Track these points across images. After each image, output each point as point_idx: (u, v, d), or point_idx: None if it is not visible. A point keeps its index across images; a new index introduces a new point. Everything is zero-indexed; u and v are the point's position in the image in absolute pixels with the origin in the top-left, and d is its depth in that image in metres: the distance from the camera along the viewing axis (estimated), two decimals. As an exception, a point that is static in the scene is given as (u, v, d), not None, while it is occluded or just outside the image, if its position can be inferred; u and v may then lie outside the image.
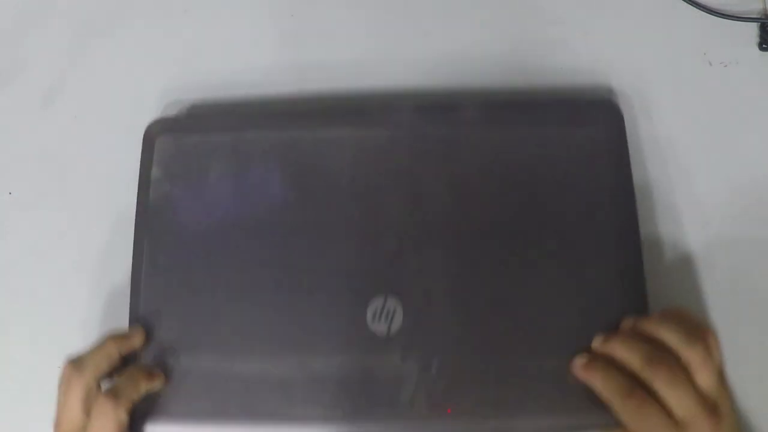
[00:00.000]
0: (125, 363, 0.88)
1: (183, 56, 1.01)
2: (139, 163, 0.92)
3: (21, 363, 0.97)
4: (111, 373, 0.87)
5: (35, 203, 0.99)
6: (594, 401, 0.81)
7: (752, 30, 0.99)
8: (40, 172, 1.00)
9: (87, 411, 0.83)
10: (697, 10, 0.98)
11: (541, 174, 0.88)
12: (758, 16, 0.99)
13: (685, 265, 0.94)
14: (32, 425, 0.95)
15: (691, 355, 0.77)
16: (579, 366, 0.83)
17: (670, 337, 0.79)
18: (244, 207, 0.89)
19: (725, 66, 0.99)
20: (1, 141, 1.01)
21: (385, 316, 0.86)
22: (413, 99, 0.97)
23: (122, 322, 0.92)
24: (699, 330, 0.79)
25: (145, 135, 0.92)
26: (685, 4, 0.98)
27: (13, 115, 1.01)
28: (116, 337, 0.88)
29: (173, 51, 1.01)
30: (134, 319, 0.89)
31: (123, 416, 0.83)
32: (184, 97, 0.99)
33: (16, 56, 1.02)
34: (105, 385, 0.85)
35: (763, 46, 0.98)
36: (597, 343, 0.83)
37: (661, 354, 0.78)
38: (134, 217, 0.90)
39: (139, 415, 0.86)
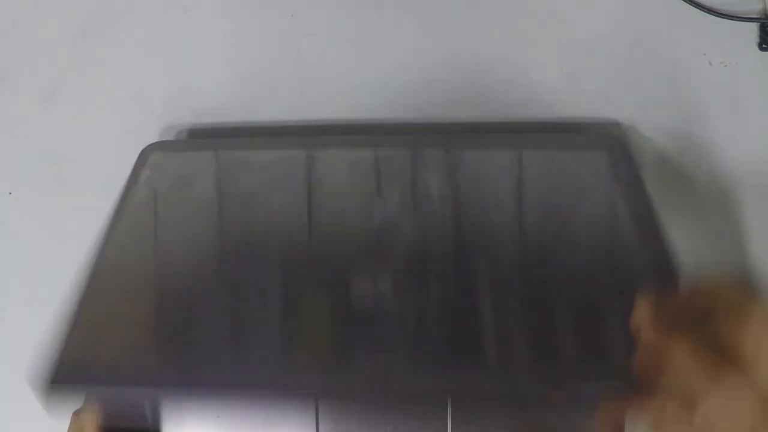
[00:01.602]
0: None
1: (183, 56, 1.01)
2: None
3: (21, 363, 0.97)
4: None
5: (35, 203, 0.99)
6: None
7: (752, 30, 0.99)
8: (40, 172, 1.00)
9: None
10: (697, 10, 0.98)
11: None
12: (758, 16, 0.99)
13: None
14: (32, 425, 0.96)
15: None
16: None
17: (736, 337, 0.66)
18: (229, 220, 0.88)
19: (725, 66, 0.99)
20: (1, 141, 1.01)
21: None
22: (409, 127, 0.97)
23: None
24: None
25: (140, 154, 0.92)
26: (685, 4, 0.98)
27: (13, 115, 1.01)
28: None
29: (173, 50, 1.01)
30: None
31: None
32: (184, 97, 0.99)
33: (16, 56, 1.02)
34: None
35: (763, 46, 0.98)
36: (645, 315, 0.71)
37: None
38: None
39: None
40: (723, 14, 0.98)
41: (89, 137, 1.00)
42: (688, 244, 0.93)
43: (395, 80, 0.98)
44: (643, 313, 0.71)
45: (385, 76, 0.98)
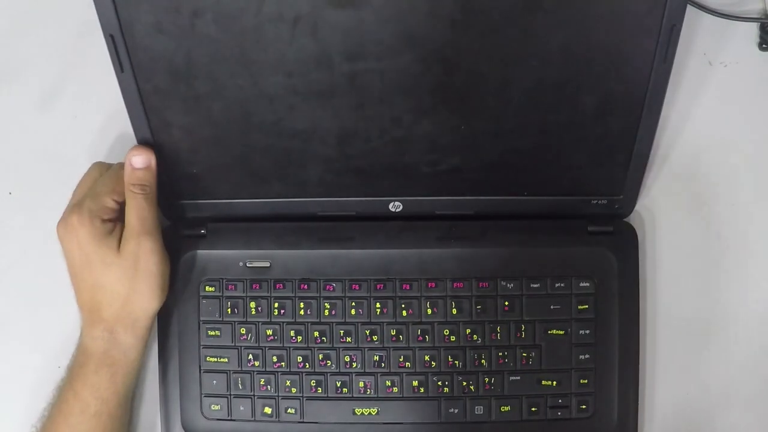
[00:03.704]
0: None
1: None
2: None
3: (21, 363, 0.97)
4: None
5: (35, 203, 0.99)
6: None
7: (752, 30, 0.99)
8: (40, 172, 1.00)
9: None
10: (697, 9, 0.98)
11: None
12: (758, 16, 0.99)
13: (682, 266, 0.95)
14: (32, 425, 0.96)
15: None
16: None
17: None
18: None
19: (725, 66, 0.99)
20: (1, 141, 1.00)
21: None
22: None
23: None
24: None
25: None
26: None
27: (13, 115, 1.01)
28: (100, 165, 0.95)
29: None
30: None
31: (91, 225, 0.88)
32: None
33: (16, 56, 1.01)
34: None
35: (763, 46, 0.98)
36: None
37: None
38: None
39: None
40: (723, 14, 0.98)
41: (89, 137, 1.00)
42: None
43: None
44: None
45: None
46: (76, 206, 0.89)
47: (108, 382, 0.89)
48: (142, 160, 0.89)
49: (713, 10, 0.98)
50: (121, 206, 0.90)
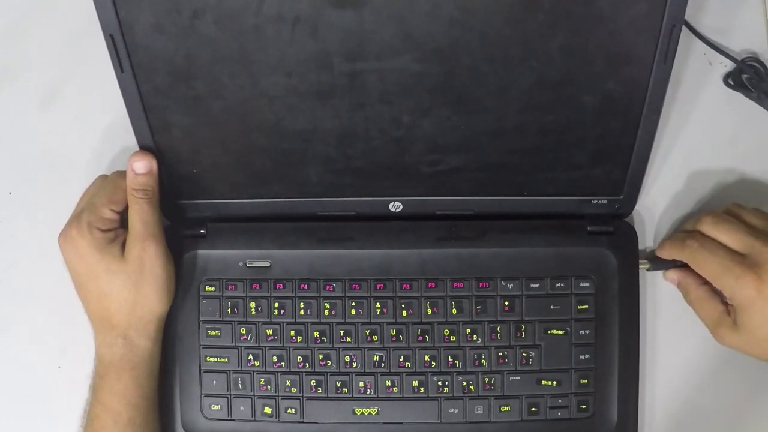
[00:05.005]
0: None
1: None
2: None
3: (21, 363, 0.97)
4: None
5: (35, 203, 0.99)
6: None
7: (753, 30, 1.00)
8: (40, 172, 1.00)
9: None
10: (697, 8, 0.98)
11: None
12: (741, 55, 1.00)
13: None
14: (32, 425, 0.96)
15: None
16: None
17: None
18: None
19: (725, 66, 0.99)
20: (1, 141, 1.00)
21: None
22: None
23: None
24: None
25: None
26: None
27: (13, 115, 1.01)
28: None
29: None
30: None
31: (91, 236, 0.88)
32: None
33: (16, 56, 1.01)
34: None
35: (729, 82, 0.99)
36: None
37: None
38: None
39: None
40: (711, 45, 0.99)
41: (89, 137, 1.00)
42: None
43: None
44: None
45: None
46: (75, 219, 0.90)
47: (133, 387, 0.88)
48: (143, 165, 0.89)
49: (703, 37, 0.99)
50: (120, 216, 0.91)
